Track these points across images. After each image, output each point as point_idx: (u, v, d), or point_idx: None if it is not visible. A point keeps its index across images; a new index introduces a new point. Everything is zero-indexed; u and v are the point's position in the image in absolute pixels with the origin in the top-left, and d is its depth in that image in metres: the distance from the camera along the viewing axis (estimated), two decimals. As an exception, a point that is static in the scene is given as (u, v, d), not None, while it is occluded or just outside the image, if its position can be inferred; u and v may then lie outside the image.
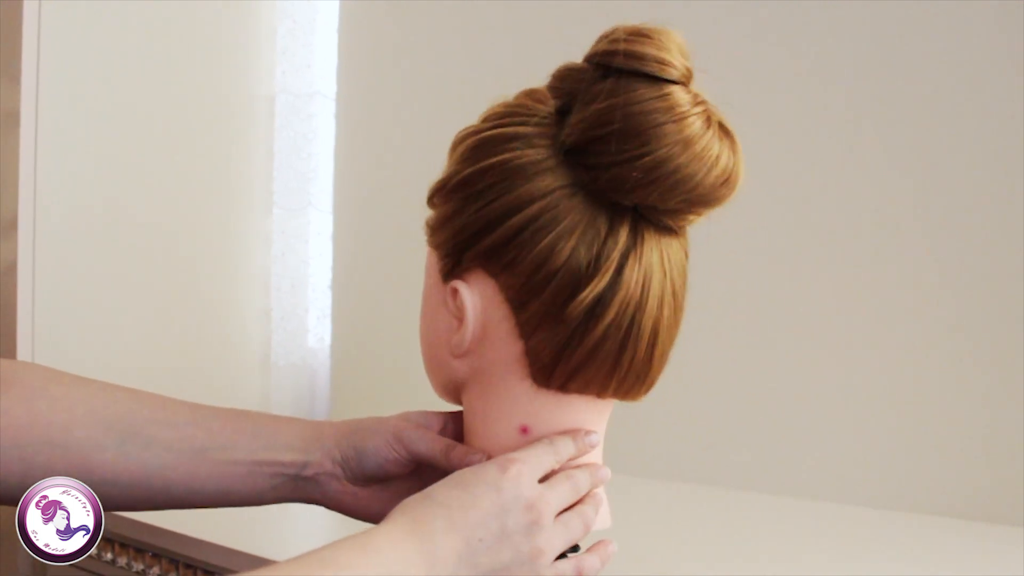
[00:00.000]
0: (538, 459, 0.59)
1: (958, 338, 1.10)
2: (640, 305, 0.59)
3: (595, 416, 0.64)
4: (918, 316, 1.13)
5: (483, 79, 1.44)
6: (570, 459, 0.62)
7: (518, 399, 0.62)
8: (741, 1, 1.22)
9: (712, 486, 1.24)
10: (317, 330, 1.70)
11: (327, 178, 1.68)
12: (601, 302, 0.57)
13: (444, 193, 0.62)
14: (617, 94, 0.56)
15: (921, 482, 1.12)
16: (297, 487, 0.66)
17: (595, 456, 0.65)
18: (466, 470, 0.58)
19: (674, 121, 0.55)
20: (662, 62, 0.56)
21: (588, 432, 0.62)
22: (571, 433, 0.62)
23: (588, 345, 0.58)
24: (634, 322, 0.59)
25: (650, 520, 1.10)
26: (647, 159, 0.55)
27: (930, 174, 1.12)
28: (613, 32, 0.58)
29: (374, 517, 0.67)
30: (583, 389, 0.61)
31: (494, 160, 0.59)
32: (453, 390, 0.66)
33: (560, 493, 0.60)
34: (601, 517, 0.65)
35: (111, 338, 1.42)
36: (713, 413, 1.26)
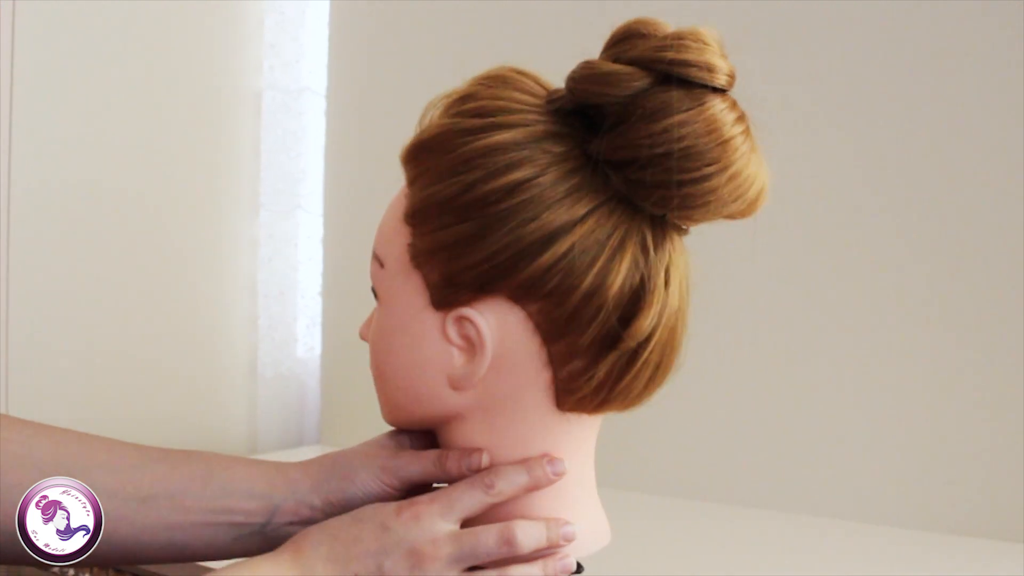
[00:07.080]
0: (458, 499, 0.58)
1: (962, 353, 1.12)
2: (679, 315, 0.59)
3: (593, 432, 0.64)
4: (921, 331, 1.14)
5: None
6: (528, 488, 0.60)
7: (535, 427, 0.60)
8: (743, 1, 1.25)
9: (712, 502, 1.26)
10: (306, 339, 1.70)
11: (317, 179, 1.69)
12: (656, 323, 0.57)
13: (449, 211, 0.56)
14: (675, 110, 0.54)
15: (924, 498, 1.14)
16: (265, 539, 0.62)
17: (581, 476, 0.63)
18: (372, 506, 0.59)
19: (720, 144, 0.55)
20: (711, 69, 0.55)
21: (554, 459, 0.60)
22: (531, 461, 0.60)
23: (637, 366, 0.58)
24: (674, 334, 0.59)
25: (650, 537, 1.11)
26: (700, 185, 0.55)
27: (934, 179, 1.14)
28: (649, 30, 0.56)
29: None
30: (606, 409, 0.61)
31: (518, 176, 0.55)
32: (432, 424, 0.63)
33: (477, 545, 0.57)
34: (600, 534, 0.63)
35: (88, 348, 1.43)
36: (714, 428, 1.27)
